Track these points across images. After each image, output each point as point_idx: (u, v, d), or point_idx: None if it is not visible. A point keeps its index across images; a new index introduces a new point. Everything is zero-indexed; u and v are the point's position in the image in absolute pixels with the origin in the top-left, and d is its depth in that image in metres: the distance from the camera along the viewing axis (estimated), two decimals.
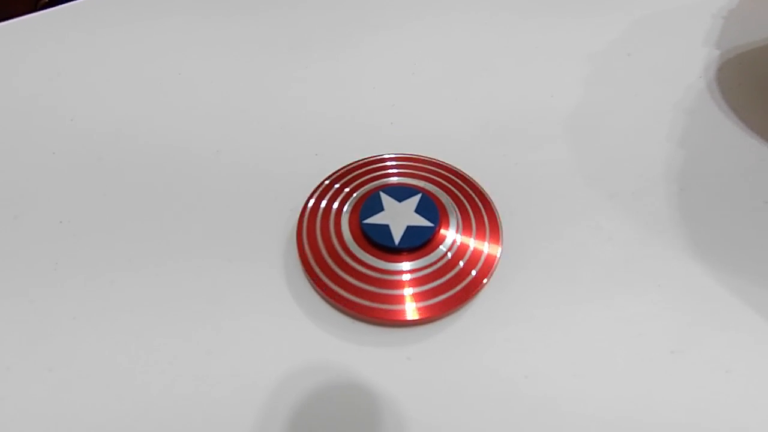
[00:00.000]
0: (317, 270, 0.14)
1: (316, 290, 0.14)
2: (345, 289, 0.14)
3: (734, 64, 0.21)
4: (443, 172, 0.16)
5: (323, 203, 0.15)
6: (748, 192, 0.16)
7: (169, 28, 0.24)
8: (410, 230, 0.14)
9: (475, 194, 0.16)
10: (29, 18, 0.26)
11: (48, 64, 0.23)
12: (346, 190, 0.16)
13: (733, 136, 0.18)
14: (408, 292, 0.13)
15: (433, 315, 0.13)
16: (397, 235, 0.14)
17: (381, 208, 0.15)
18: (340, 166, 0.17)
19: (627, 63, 0.22)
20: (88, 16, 0.26)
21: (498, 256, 0.14)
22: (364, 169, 0.16)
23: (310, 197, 0.16)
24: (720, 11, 0.24)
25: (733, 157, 0.18)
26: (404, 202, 0.15)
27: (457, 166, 0.17)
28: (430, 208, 0.15)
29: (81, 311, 0.14)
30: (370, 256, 0.14)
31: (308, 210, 0.15)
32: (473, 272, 0.14)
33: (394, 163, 0.17)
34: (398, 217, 0.14)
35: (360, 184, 0.16)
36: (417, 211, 0.15)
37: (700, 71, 0.21)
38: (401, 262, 0.14)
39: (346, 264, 0.14)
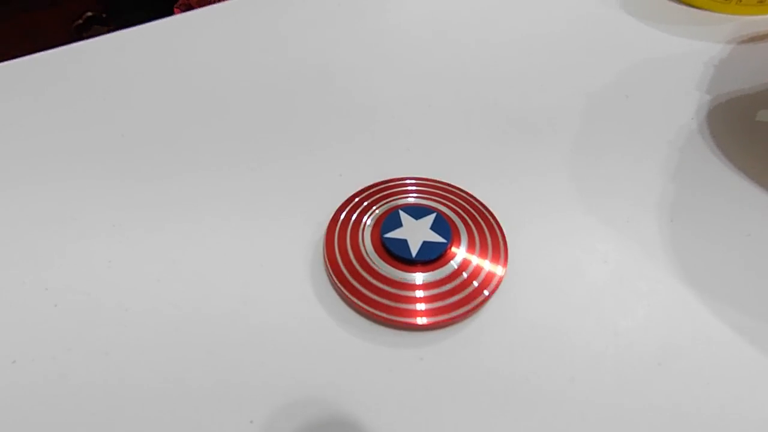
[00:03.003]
0: (341, 276, 0.16)
1: (339, 295, 0.16)
2: (365, 295, 0.15)
3: (723, 108, 0.23)
4: (456, 194, 0.18)
5: (351, 216, 0.17)
6: (731, 223, 0.18)
7: (206, 63, 0.27)
8: (426, 245, 0.16)
9: (485, 216, 0.18)
10: (73, 47, 0.29)
11: (98, 85, 0.25)
12: (370, 206, 0.18)
13: (720, 172, 0.20)
14: (422, 300, 0.15)
15: (443, 322, 0.15)
16: (414, 249, 0.16)
17: (400, 225, 0.16)
18: (365, 186, 0.19)
19: (625, 103, 0.24)
20: (124, 46, 0.28)
21: (503, 272, 0.16)
22: (386, 189, 0.18)
23: (339, 211, 0.18)
24: (712, 60, 0.27)
25: (719, 192, 0.19)
26: (421, 220, 0.17)
27: (469, 190, 0.19)
28: (443, 226, 0.16)
29: (132, 304, 0.16)
30: (389, 267, 0.16)
31: (337, 222, 0.17)
32: (482, 289, 0.16)
33: (412, 184, 0.19)
34: (415, 233, 0.16)
35: (382, 202, 0.18)
36: (432, 228, 0.16)
37: (692, 113, 0.23)
38: (416, 273, 0.16)
39: (367, 272, 0.16)
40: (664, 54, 0.27)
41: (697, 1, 0.31)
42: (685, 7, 0.31)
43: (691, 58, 0.27)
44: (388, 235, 0.16)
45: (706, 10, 0.31)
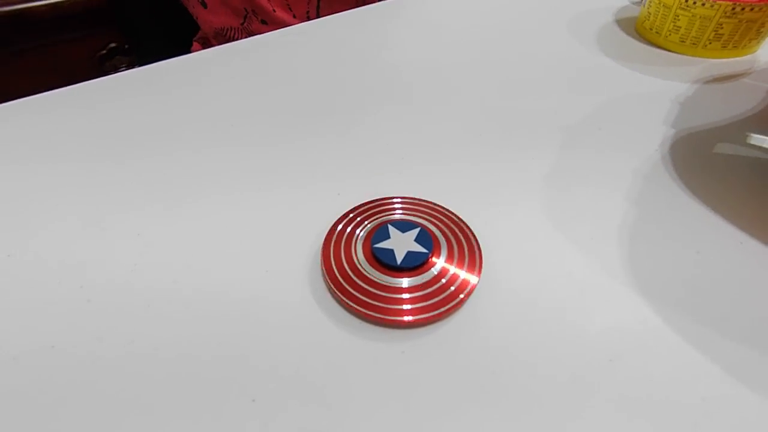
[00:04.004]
0: (335, 281, 0.18)
1: (333, 297, 0.18)
2: (356, 297, 0.18)
3: (685, 141, 0.26)
4: (439, 212, 0.21)
5: (346, 229, 0.20)
6: (684, 243, 0.20)
7: (225, 92, 0.31)
8: (410, 254, 0.18)
9: (463, 232, 0.20)
10: (98, 81, 0.32)
11: (123, 116, 0.29)
12: (363, 221, 0.20)
13: (678, 198, 0.23)
14: (405, 301, 0.17)
15: (422, 320, 0.17)
16: (399, 258, 0.18)
17: (388, 237, 0.19)
18: (358, 204, 0.21)
19: (597, 135, 0.27)
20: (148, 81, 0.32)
21: (477, 280, 0.18)
22: (377, 207, 0.21)
23: (335, 224, 0.20)
24: (678, 98, 0.29)
25: (676, 215, 0.22)
26: (406, 233, 0.19)
27: (451, 209, 0.21)
28: (426, 239, 0.19)
29: (153, 302, 0.18)
30: (378, 273, 0.18)
31: (334, 233, 0.20)
32: (458, 293, 0.18)
33: (400, 202, 0.21)
34: (401, 244, 0.19)
35: (374, 217, 0.20)
36: (416, 240, 0.19)
37: (657, 145, 0.26)
38: (401, 278, 0.18)
39: (359, 277, 0.18)
40: (635, 91, 0.30)
41: (667, 44, 0.34)
42: (656, 50, 0.35)
43: (660, 96, 0.30)
44: (378, 245, 0.19)
45: (675, 52, 0.34)
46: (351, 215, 0.21)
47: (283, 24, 0.56)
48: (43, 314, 0.18)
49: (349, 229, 0.20)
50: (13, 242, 0.21)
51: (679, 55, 0.34)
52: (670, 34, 0.34)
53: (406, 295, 0.18)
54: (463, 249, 0.19)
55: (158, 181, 0.24)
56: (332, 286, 0.18)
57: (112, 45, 0.92)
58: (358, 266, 0.18)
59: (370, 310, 0.17)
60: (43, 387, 0.16)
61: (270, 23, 0.57)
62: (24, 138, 0.27)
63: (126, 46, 0.94)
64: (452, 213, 0.21)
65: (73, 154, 0.26)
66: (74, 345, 0.17)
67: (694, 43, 0.33)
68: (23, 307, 0.18)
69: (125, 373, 0.16)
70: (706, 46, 0.33)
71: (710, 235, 0.21)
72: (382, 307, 0.17)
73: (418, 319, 0.17)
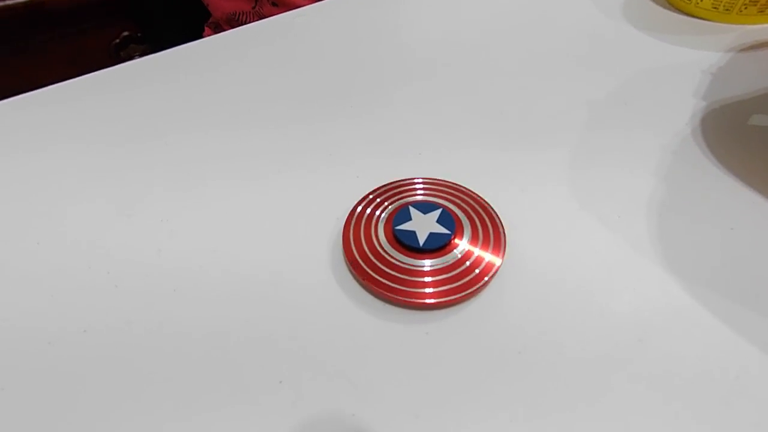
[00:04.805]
0: (358, 263, 0.18)
1: (356, 279, 0.18)
2: (379, 279, 0.18)
3: (717, 114, 0.25)
4: (461, 193, 0.20)
5: (366, 211, 0.20)
6: (718, 219, 0.20)
7: (244, 75, 0.30)
8: (432, 236, 0.18)
9: (485, 212, 0.20)
10: (112, 70, 0.32)
11: (138, 102, 0.29)
12: (384, 203, 0.20)
13: (710, 173, 0.22)
14: (428, 283, 0.17)
15: (446, 302, 0.17)
16: (421, 239, 0.18)
17: (410, 218, 0.19)
18: (379, 185, 0.21)
19: (624, 110, 0.26)
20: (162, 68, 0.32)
21: (500, 261, 0.18)
22: (397, 188, 0.21)
23: (357, 205, 0.20)
24: (709, 68, 0.28)
25: (708, 191, 0.21)
26: (428, 215, 0.19)
27: (473, 189, 0.21)
28: (448, 220, 0.19)
29: (179, 286, 0.18)
30: (400, 254, 0.18)
31: (354, 215, 0.20)
32: (481, 275, 0.18)
33: (420, 183, 0.21)
34: (423, 225, 0.18)
35: (394, 199, 0.20)
36: (438, 221, 0.19)
37: (687, 119, 0.25)
38: (423, 260, 0.18)
39: (381, 259, 0.18)
40: (663, 63, 0.29)
41: (698, 11, 0.32)
42: (686, 18, 0.33)
43: (690, 67, 0.28)
44: (399, 227, 0.18)
45: (706, 20, 0.32)
46: (371, 197, 0.20)
47: (293, 5, 0.55)
48: (74, 300, 0.18)
49: (369, 211, 0.20)
50: (40, 230, 0.21)
51: (711, 23, 0.32)
52: (701, 1, 0.32)
53: (429, 277, 0.17)
54: (487, 230, 0.19)
55: (179, 166, 0.24)
56: (354, 268, 0.18)
57: (126, 34, 0.93)
58: (381, 248, 0.18)
59: (393, 292, 0.17)
60: (78, 369, 0.16)
61: (280, 5, 0.56)
62: (47, 127, 0.27)
63: (139, 35, 0.95)
64: (474, 193, 0.21)
65: (95, 142, 0.26)
66: (105, 329, 0.17)
67: (727, 9, 0.31)
68: (55, 294, 0.19)
69: (154, 355, 0.16)
70: (741, 11, 0.31)
71: (745, 210, 0.20)
72: (406, 289, 0.17)
73: (442, 301, 0.17)
